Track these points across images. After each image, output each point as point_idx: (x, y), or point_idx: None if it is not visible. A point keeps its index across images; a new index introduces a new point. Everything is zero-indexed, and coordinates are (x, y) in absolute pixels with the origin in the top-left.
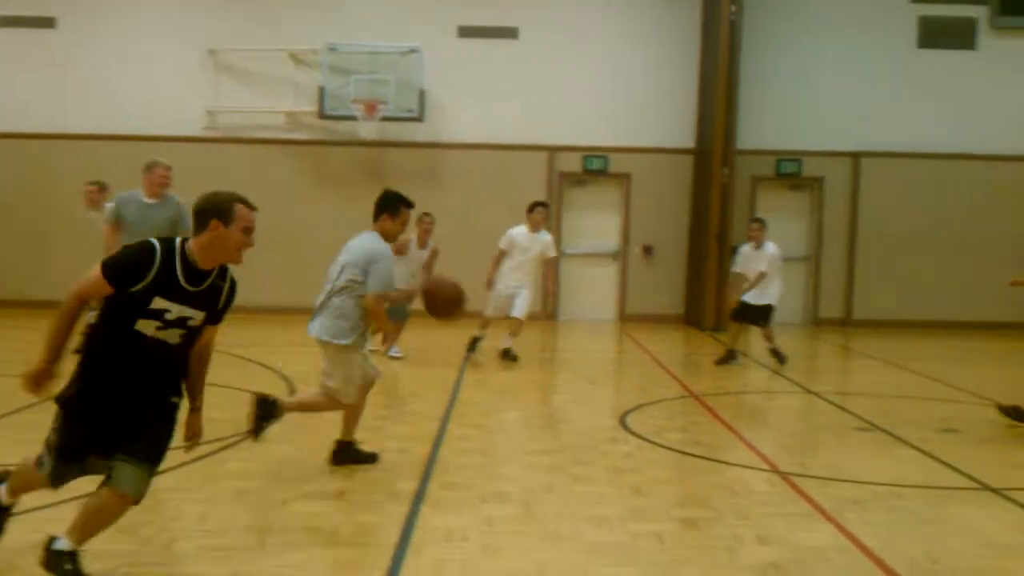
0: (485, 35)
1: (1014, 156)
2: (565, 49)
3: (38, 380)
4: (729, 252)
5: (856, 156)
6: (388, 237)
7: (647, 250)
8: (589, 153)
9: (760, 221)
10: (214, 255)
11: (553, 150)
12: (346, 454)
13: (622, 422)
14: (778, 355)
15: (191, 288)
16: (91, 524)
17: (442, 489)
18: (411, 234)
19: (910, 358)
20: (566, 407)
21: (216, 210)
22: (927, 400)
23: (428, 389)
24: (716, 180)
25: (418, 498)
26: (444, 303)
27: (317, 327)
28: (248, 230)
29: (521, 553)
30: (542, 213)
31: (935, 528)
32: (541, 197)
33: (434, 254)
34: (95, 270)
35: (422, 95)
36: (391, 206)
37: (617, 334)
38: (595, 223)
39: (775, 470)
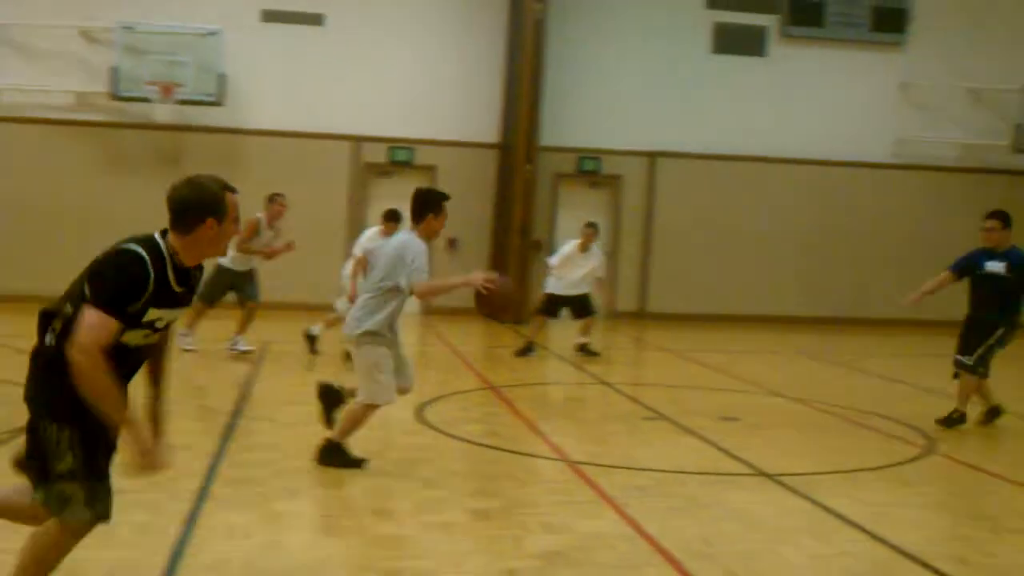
0: (289, 20)
1: (802, 159)
2: (371, 38)
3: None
4: (533, 247)
5: (653, 156)
6: (432, 236)
7: (451, 243)
8: (395, 144)
9: (594, 226)
10: (203, 252)
11: (358, 140)
12: (335, 456)
13: (419, 415)
14: (588, 350)
15: (180, 290)
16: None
17: (227, 485)
18: (261, 213)
19: (698, 350)
20: None
21: (211, 207)
22: (712, 390)
23: (219, 383)
24: (519, 175)
25: (202, 495)
26: (501, 303)
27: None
28: (237, 219)
29: (304, 549)
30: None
31: (712, 513)
32: (345, 187)
33: (278, 234)
34: (95, 314)
35: (222, 79)
36: (435, 205)
37: (420, 327)
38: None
39: (566, 460)
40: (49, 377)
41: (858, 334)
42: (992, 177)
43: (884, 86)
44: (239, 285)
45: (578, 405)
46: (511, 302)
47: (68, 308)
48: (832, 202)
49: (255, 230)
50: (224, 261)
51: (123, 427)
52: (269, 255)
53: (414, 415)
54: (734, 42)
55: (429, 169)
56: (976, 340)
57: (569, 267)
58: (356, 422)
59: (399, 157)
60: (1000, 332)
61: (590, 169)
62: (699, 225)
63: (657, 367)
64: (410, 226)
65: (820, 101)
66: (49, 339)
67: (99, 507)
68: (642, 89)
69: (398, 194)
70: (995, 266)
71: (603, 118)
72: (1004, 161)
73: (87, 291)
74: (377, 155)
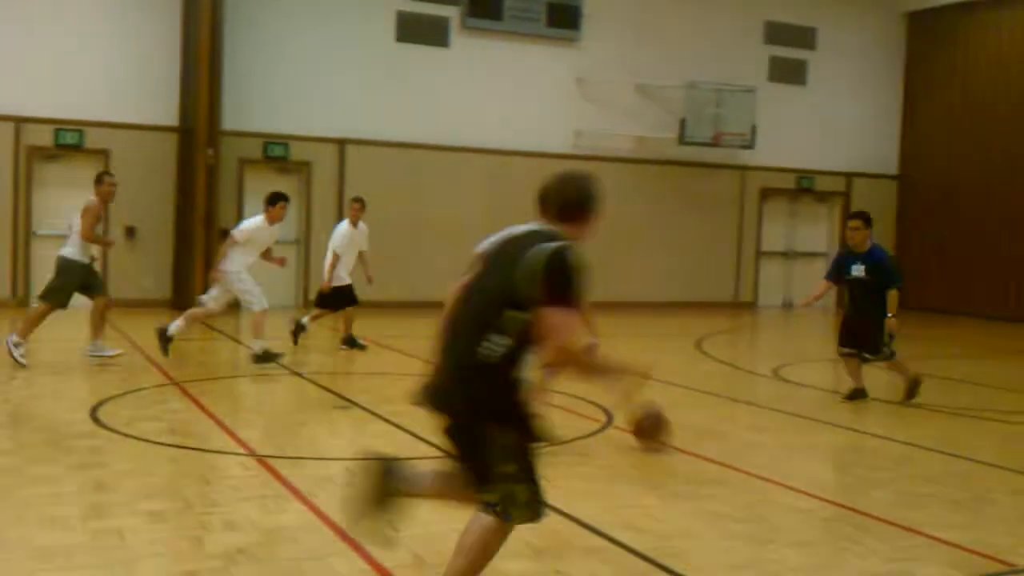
0: None
1: (486, 149)
2: (36, 12)
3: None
4: (217, 234)
5: (342, 143)
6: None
7: (129, 232)
8: (62, 127)
9: (361, 200)
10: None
11: (19, 121)
12: None
13: (93, 415)
14: (354, 342)
15: None
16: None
17: None
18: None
19: (393, 336)
20: (31, 403)
21: (598, 201)
22: (407, 376)
23: None
24: (201, 161)
25: None
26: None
27: None
28: None
29: None
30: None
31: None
32: (7, 172)
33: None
34: (569, 313)
35: None
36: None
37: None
38: (69, 202)
39: (252, 454)
40: (492, 385)
41: None
42: (663, 167)
43: (562, 80)
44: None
45: (268, 397)
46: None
47: (509, 317)
48: (515, 191)
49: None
50: (73, 254)
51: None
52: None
53: (88, 415)
54: (418, 31)
55: (102, 153)
56: (869, 338)
57: (351, 249)
58: None
59: (67, 140)
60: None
61: (277, 155)
62: (390, 213)
63: (352, 355)
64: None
65: (502, 93)
66: (487, 349)
67: (539, 508)
68: (329, 75)
69: (68, 180)
70: (858, 270)
71: (291, 103)
72: (672, 152)
73: (544, 294)
74: (42, 138)
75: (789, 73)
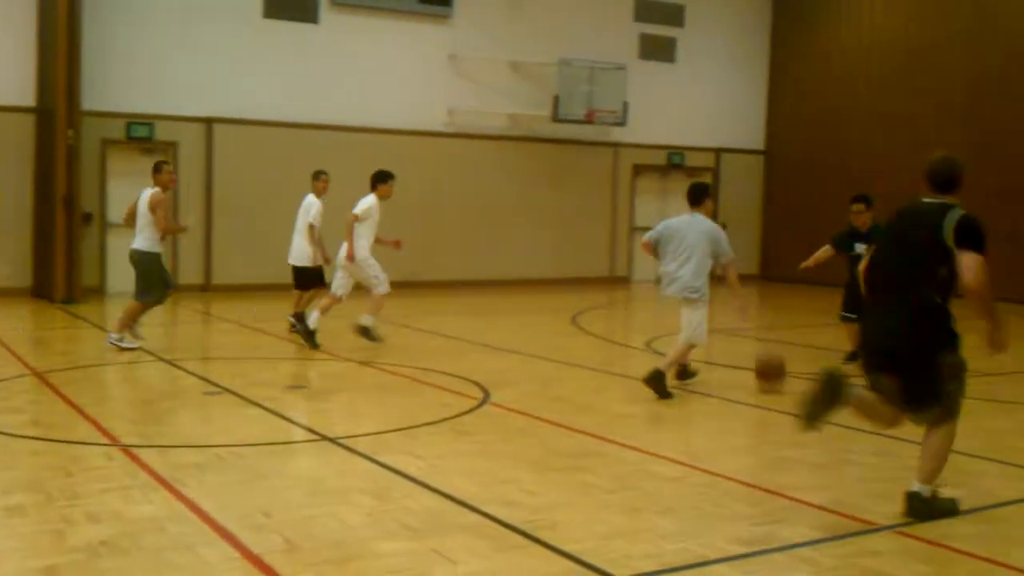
0: None
1: (357, 127)
2: None
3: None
4: (80, 218)
5: (209, 122)
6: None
7: None
8: None
9: (323, 173)
10: None
11: None
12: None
13: None
14: (306, 334)
15: None
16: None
17: None
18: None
19: (267, 320)
20: None
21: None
22: (279, 360)
23: None
24: (61, 142)
25: None
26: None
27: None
28: None
29: None
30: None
31: (273, 483)
32: None
33: None
34: (981, 258)
35: None
36: (708, 192)
37: None
38: None
39: (116, 443)
40: (936, 322)
41: (425, 295)
42: (537, 145)
43: (434, 57)
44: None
45: (135, 385)
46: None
47: (938, 269)
48: (389, 169)
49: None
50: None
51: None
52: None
53: None
54: (286, 7)
55: None
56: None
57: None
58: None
59: None
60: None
61: (141, 136)
62: (262, 193)
63: (223, 340)
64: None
65: (374, 70)
66: (927, 296)
67: (958, 416)
68: (195, 52)
69: None
70: (861, 248)
71: (154, 82)
72: (546, 130)
73: (960, 245)
74: None
75: (659, 51)
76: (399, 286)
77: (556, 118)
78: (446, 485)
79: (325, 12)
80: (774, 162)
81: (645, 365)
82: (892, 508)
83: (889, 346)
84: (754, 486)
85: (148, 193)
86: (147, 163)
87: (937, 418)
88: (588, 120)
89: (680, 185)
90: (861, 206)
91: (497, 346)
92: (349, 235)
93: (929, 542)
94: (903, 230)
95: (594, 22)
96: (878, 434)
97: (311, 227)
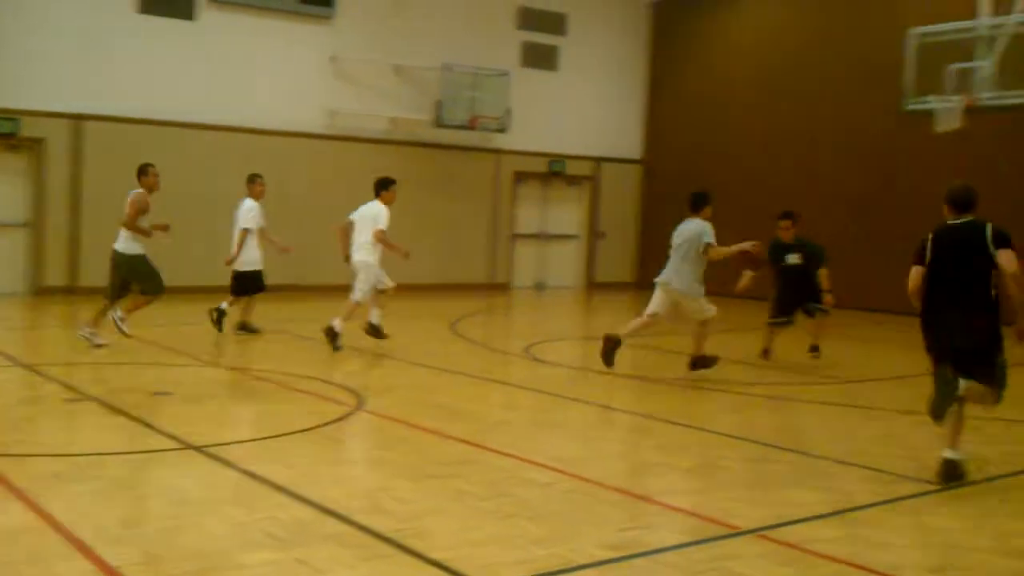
0: None
1: (235, 128)
2: None
3: None
4: None
5: (78, 119)
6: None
7: None
8: None
9: (259, 176)
10: None
11: None
12: (702, 363)
13: None
14: (247, 327)
15: None
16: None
17: None
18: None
19: (137, 326)
20: None
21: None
22: (146, 365)
23: None
24: None
25: None
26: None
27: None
28: None
29: None
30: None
31: (135, 493)
32: None
33: None
34: (1013, 254)
35: None
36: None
37: None
38: None
39: None
40: (994, 317)
41: (305, 300)
42: (419, 150)
43: (315, 58)
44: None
45: None
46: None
47: (992, 272)
48: (268, 171)
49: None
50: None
51: None
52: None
53: None
54: (161, 2)
55: None
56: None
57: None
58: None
59: None
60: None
61: (5, 132)
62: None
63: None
64: None
65: (253, 69)
66: (989, 297)
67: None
68: (64, 46)
69: None
70: (792, 258)
71: (21, 75)
72: (429, 135)
73: (996, 245)
74: None
75: (541, 58)
76: (280, 290)
77: (438, 123)
78: (316, 494)
79: (202, 9)
80: (652, 171)
81: (524, 371)
82: (756, 513)
83: (972, 347)
84: (624, 491)
85: (132, 194)
86: (12, 162)
87: (993, 401)
88: (470, 126)
89: (561, 193)
90: (788, 222)
91: (375, 352)
92: (390, 246)
93: (791, 545)
94: (954, 249)
95: (477, 28)
96: (745, 439)
97: (245, 231)
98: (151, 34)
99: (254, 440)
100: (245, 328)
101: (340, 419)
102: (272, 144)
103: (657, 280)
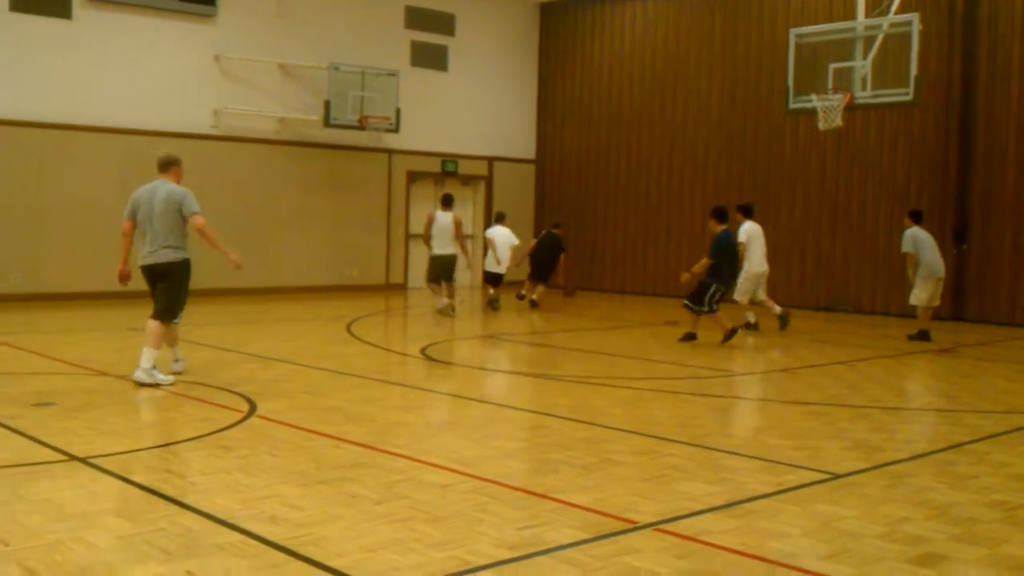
0: None
1: (116, 129)
2: None
3: None
4: None
5: None
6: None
7: None
8: None
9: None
10: None
11: None
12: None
13: None
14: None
15: None
16: None
17: None
18: None
19: (11, 333)
20: None
21: None
22: (26, 375)
23: None
24: None
25: None
26: None
27: None
28: None
29: None
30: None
31: (13, 508)
32: None
33: None
34: None
35: None
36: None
37: None
38: None
39: None
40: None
41: (193, 304)
42: (309, 150)
43: (199, 57)
44: None
45: None
46: None
47: None
48: (151, 174)
49: None
50: None
51: None
52: None
53: None
54: (35, 1)
55: None
56: (700, 295)
57: None
58: None
59: None
60: (713, 288)
61: None
62: (8, 199)
63: None
64: None
65: (132, 69)
66: None
67: None
68: None
69: None
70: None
71: None
72: (318, 135)
73: None
74: None
75: (431, 58)
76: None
77: (328, 123)
78: (205, 504)
79: (79, 8)
80: (544, 170)
81: (420, 373)
82: (654, 507)
83: None
84: (522, 490)
85: None
86: None
87: None
88: (360, 126)
89: (455, 192)
90: (711, 220)
91: (267, 356)
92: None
93: (687, 538)
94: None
95: (365, 27)
96: (640, 434)
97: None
98: (24, 33)
99: (141, 450)
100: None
101: (231, 426)
102: (156, 145)
103: None
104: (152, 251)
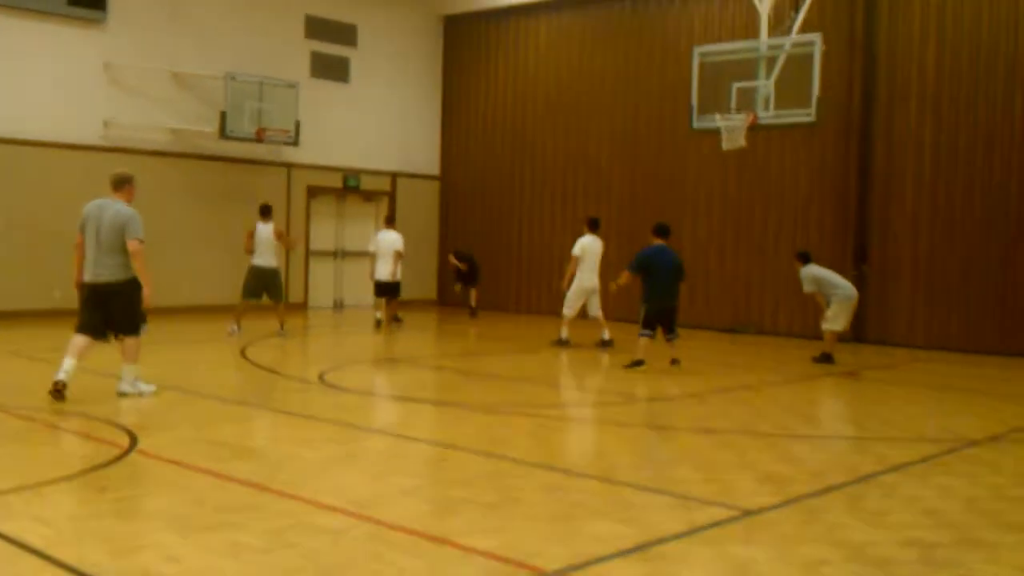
0: None
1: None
2: None
3: None
4: None
5: None
6: None
7: None
8: None
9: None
10: None
11: None
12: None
13: None
14: None
15: None
16: None
17: None
18: None
19: None
20: None
21: None
22: None
23: None
24: None
25: None
26: None
27: None
28: None
29: None
30: None
31: None
32: None
33: None
34: None
35: None
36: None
37: None
38: None
39: None
40: None
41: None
42: (204, 163)
43: (87, 65)
44: None
45: None
46: None
47: None
48: (34, 185)
49: None
50: None
51: None
52: None
53: None
54: None
55: None
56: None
57: None
58: None
59: None
60: (642, 310)
61: None
62: None
63: None
64: None
65: (16, 76)
66: None
67: None
68: None
69: None
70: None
71: None
72: (214, 147)
73: None
74: None
75: (332, 69)
76: (45, 315)
77: (224, 135)
78: (74, 556)
79: None
80: (448, 187)
81: (316, 401)
82: (560, 550)
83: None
84: (421, 534)
85: None
86: None
87: None
88: (258, 138)
89: (357, 209)
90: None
91: (152, 382)
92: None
93: None
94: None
95: (264, 36)
96: (546, 467)
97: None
98: None
99: (5, 492)
100: None
101: (108, 463)
102: (41, 156)
103: None
104: (97, 268)
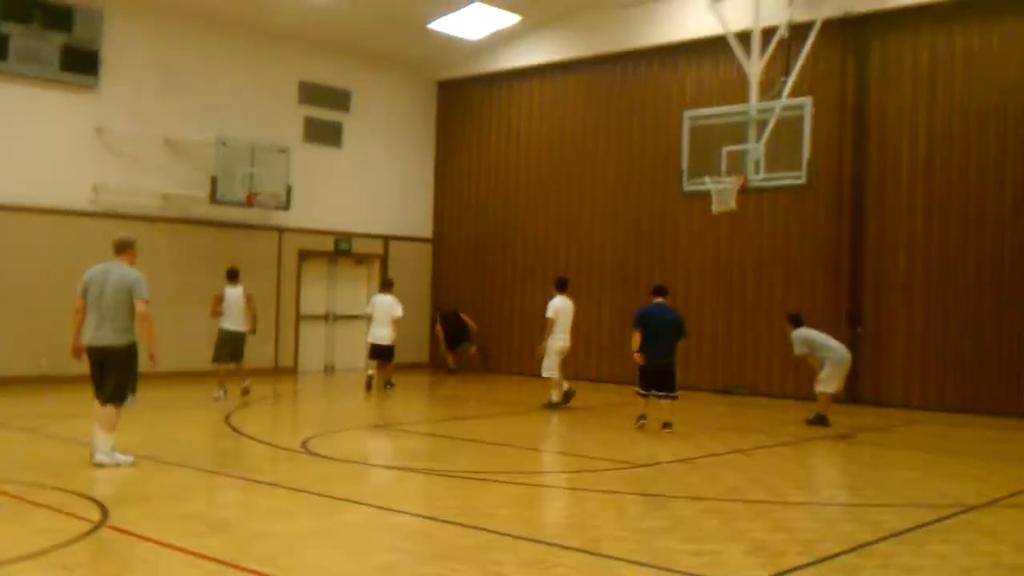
0: None
1: None
2: None
3: None
4: None
5: None
6: None
7: None
8: None
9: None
10: None
11: None
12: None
13: None
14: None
15: None
16: None
17: None
18: None
19: None
20: None
21: None
22: None
23: None
24: None
25: None
26: None
27: None
28: None
29: None
30: None
31: None
32: None
33: None
34: None
35: None
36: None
37: None
38: None
39: None
40: None
41: (63, 393)
42: (196, 227)
43: (79, 130)
44: None
45: None
46: None
47: None
48: (24, 251)
49: None
50: None
51: None
52: None
53: None
54: None
55: None
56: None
57: None
58: None
59: None
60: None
61: None
62: None
63: None
64: None
65: (8, 141)
66: None
67: None
68: None
69: None
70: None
71: None
72: (204, 212)
73: None
74: None
75: (324, 135)
76: (32, 382)
77: (214, 199)
78: None
79: None
80: (441, 249)
81: (298, 470)
82: None
83: None
84: None
85: None
86: None
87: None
88: (248, 203)
89: (349, 272)
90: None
91: (131, 451)
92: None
93: None
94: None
95: (256, 101)
96: (529, 540)
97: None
98: None
99: None
100: None
101: (75, 540)
102: (31, 222)
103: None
104: (97, 332)
